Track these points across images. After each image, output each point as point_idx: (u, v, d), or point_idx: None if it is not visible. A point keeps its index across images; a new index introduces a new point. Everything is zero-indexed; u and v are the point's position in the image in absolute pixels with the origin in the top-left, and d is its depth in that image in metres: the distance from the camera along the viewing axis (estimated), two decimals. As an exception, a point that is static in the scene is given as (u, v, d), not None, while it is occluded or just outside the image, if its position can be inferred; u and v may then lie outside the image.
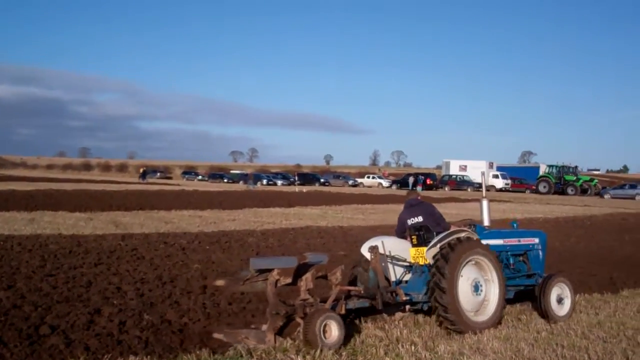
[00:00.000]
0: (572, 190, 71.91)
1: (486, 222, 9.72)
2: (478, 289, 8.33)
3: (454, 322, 7.95)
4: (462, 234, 8.45)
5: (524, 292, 9.69)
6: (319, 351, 6.94)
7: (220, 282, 8.21)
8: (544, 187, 73.79)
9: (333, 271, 8.20)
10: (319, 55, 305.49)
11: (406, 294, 8.26)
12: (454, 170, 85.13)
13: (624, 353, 7.25)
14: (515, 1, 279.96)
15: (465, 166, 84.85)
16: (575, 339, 7.89)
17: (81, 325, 7.86)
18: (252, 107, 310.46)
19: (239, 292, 9.08)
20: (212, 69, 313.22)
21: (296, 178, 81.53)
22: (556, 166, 76.58)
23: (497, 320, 8.44)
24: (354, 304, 8.24)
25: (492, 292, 8.46)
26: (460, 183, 78.87)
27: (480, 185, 75.73)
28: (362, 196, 49.16)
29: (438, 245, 8.23)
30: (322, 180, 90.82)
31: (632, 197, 64.88)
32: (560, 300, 9.04)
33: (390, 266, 8.76)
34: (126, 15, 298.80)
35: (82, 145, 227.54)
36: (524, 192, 76.31)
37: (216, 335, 7.53)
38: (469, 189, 75.29)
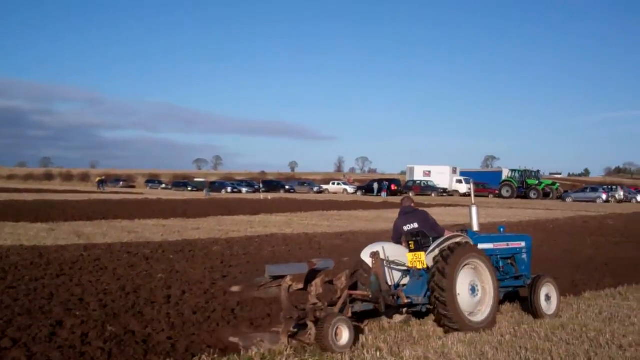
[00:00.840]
0: (534, 194, 72.73)
1: (475, 227, 10.07)
2: (474, 290, 8.68)
3: (453, 320, 8.26)
4: (459, 239, 8.92)
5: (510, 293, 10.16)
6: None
7: (235, 288, 8.48)
8: (507, 191, 74.55)
9: (338, 276, 8.50)
10: (283, 63, 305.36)
11: (407, 297, 8.59)
12: (418, 175, 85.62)
13: (586, 354, 7.32)
14: (477, 7, 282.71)
15: (429, 171, 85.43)
16: (539, 341, 7.95)
17: (43, 337, 7.71)
18: (217, 114, 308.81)
19: (253, 297, 9.10)
20: (176, 77, 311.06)
21: (261, 185, 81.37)
22: (519, 170, 77.41)
23: (492, 321, 8.73)
24: (359, 307, 8.63)
25: (488, 294, 8.81)
26: (425, 188, 79.29)
27: (444, 190, 76.84)
28: (327, 202, 49.19)
29: (438, 249, 8.63)
30: (287, 187, 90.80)
31: (594, 200, 65.89)
32: (548, 299, 9.48)
33: (388, 271, 9.07)
34: (88, 23, 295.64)
35: (44, 155, 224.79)
36: (488, 196, 76.92)
37: (232, 339, 7.73)
38: (433, 194, 75.67)
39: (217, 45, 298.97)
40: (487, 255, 9.16)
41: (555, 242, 21.42)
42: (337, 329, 7.45)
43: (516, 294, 10.46)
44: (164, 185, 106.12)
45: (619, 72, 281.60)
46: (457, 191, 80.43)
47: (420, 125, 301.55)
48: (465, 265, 8.65)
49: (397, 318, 9.17)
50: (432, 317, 8.95)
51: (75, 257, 14.88)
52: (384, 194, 73.00)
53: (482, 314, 8.70)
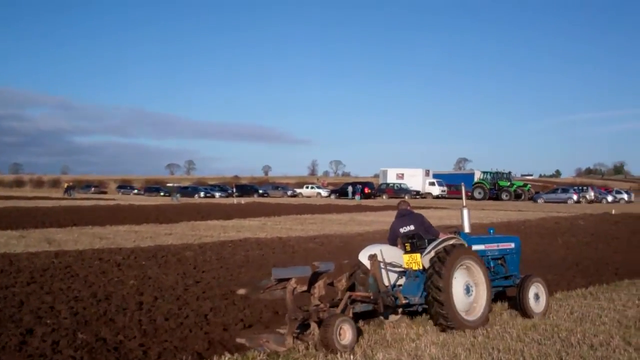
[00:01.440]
0: (506, 196, 73.27)
1: (467, 229, 10.27)
2: (469, 290, 8.96)
3: (449, 318, 8.49)
4: (454, 241, 9.15)
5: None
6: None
7: (241, 291, 8.86)
8: (479, 193, 75.08)
9: (338, 278, 9.01)
10: (256, 66, 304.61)
11: (404, 297, 8.90)
12: (392, 178, 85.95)
13: (558, 354, 7.38)
14: (448, 12, 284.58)
15: (403, 174, 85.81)
16: (511, 342, 8.00)
17: (13, 346, 7.63)
18: (189, 119, 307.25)
19: (260, 299, 9.45)
20: (147, 81, 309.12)
21: (234, 190, 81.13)
22: (490, 172, 77.99)
23: (485, 320, 8.98)
24: (359, 308, 8.88)
25: (481, 293, 9.07)
26: (398, 191, 79.49)
27: (417, 192, 77.11)
28: (301, 206, 49.19)
29: (433, 251, 8.88)
30: (260, 191, 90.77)
31: (565, 201, 66.58)
32: (537, 299, 9.71)
33: (385, 272, 9.30)
34: (58, 28, 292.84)
35: (14, 161, 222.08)
36: (460, 198, 77.38)
37: (239, 340, 8.06)
38: (406, 197, 75.88)
39: (188, 50, 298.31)
40: (480, 256, 9.47)
41: (527, 243, 21.51)
42: (340, 329, 7.71)
43: (502, 295, 10.68)
44: (136, 191, 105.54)
45: (589, 74, 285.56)
46: (430, 193, 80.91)
47: (393, 128, 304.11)
48: (460, 266, 8.91)
49: (393, 318, 9.40)
50: (406, 318, 9.25)
51: (46, 264, 14.71)
52: (357, 197, 73.10)
53: (476, 313, 8.95)
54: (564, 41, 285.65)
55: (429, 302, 8.67)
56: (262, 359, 7.38)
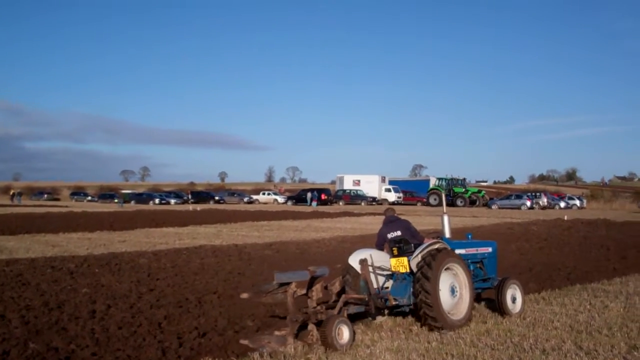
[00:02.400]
0: (461, 202, 73.93)
1: (447, 234, 10.72)
2: (454, 292, 9.43)
3: (436, 319, 8.92)
4: (438, 245, 9.61)
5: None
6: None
7: (245, 295, 8.96)
8: (434, 199, 75.53)
9: (332, 282, 9.44)
10: (211, 72, 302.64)
11: (394, 299, 9.43)
12: (348, 185, 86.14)
13: (510, 359, 7.47)
14: (405, 15, 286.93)
15: (359, 181, 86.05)
16: (465, 347, 8.08)
17: (-39, 357, 7.47)
18: (144, 125, 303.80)
19: (262, 303, 9.88)
20: (102, 87, 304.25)
21: (190, 196, 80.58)
22: (445, 179, 78.60)
23: (468, 319, 9.47)
24: (353, 309, 9.23)
25: (465, 295, 9.55)
26: (354, 197, 79.81)
27: (374, 199, 77.43)
28: (258, 213, 49.03)
29: (420, 255, 9.34)
30: (216, 197, 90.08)
31: (518, 207, 67.45)
32: (514, 300, 10.25)
33: (373, 275, 9.82)
34: (10, 33, 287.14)
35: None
36: (416, 204, 78.10)
37: (242, 341, 8.30)
38: (362, 203, 76.28)
39: (143, 55, 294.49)
40: (464, 260, 9.97)
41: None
42: (338, 329, 8.17)
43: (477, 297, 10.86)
44: (89, 198, 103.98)
45: (542, 82, 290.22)
46: (386, 200, 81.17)
47: (350, 134, 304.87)
48: (446, 269, 9.35)
49: (380, 319, 9.84)
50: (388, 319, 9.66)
51: (-4, 273, 14.41)
52: (314, 203, 73.15)
53: (460, 313, 9.40)
54: (517, 49, 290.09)
55: (418, 304, 9.05)
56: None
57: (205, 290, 12.66)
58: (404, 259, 9.55)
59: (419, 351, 7.91)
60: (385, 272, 9.88)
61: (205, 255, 18.65)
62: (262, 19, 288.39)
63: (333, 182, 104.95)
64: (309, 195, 76.31)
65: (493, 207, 69.64)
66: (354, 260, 9.77)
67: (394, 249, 9.79)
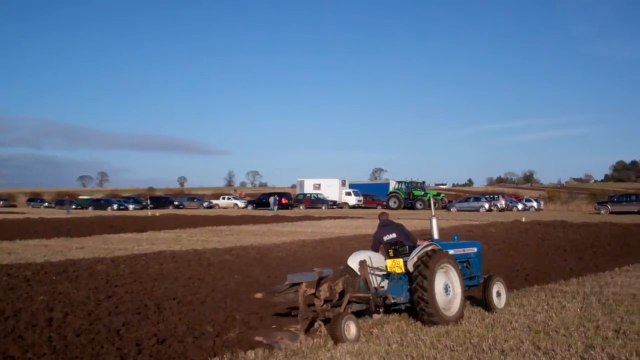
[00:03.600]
0: (420, 205, 74.39)
1: (436, 236, 11.42)
2: (447, 290, 9.99)
3: (433, 315, 9.52)
4: (432, 247, 10.18)
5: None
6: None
7: (259, 295, 10.10)
8: (394, 202, 76.04)
9: (335, 282, 9.99)
10: (169, 76, 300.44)
11: (392, 298, 9.91)
12: (308, 188, 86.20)
13: (470, 360, 7.55)
14: (363, 17, 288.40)
15: (319, 184, 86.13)
16: (424, 349, 8.12)
17: None
18: (101, 129, 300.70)
19: (275, 302, 10.36)
20: (58, 91, 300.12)
21: (149, 201, 79.81)
22: (405, 182, 79.13)
23: (461, 315, 10.02)
24: (355, 307, 9.78)
25: (457, 292, 10.12)
26: (315, 201, 79.94)
27: (334, 202, 77.57)
28: (218, 218, 48.76)
29: (416, 256, 9.91)
30: (175, 202, 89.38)
31: (477, 210, 68.22)
32: (498, 295, 10.91)
33: (371, 275, 10.29)
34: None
35: None
36: (376, 207, 78.39)
37: (257, 338, 8.98)
38: (323, 207, 76.43)
39: (100, 59, 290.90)
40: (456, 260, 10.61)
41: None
42: (346, 325, 8.74)
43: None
44: (46, 204, 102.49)
45: (500, 86, 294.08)
46: (346, 203, 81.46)
47: (310, 138, 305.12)
48: (440, 269, 9.91)
49: (376, 316, 10.39)
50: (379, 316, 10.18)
51: (-51, 282, 14.10)
52: (275, 207, 73.02)
53: (453, 309, 9.95)
54: (476, 53, 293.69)
55: (415, 301, 9.66)
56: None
57: (165, 297, 12.54)
58: (400, 260, 10.14)
59: (380, 354, 7.94)
60: (381, 273, 10.40)
61: (164, 261, 18.48)
62: (220, 25, 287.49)
63: (293, 186, 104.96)
64: (271, 199, 76.12)
65: (452, 209, 70.34)
66: (352, 262, 10.26)
67: (389, 250, 10.37)
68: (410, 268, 9.95)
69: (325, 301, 9.73)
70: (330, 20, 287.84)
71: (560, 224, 36.82)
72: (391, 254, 10.34)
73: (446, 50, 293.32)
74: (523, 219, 42.03)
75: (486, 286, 10.79)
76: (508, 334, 8.94)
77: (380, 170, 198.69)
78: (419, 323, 9.90)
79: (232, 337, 9.12)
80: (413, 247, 10.27)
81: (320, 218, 48.05)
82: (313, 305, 9.61)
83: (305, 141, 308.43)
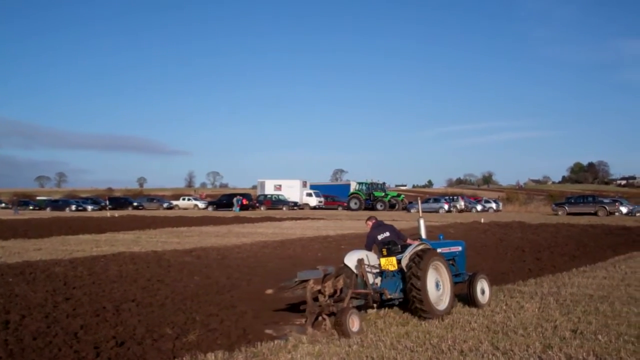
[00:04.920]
0: (381, 206, 74.69)
1: (423, 236, 12.25)
2: (438, 286, 10.63)
3: (426, 310, 10.11)
4: (423, 246, 10.86)
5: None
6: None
7: (269, 291, 10.42)
8: (355, 203, 76.22)
9: (337, 279, 10.46)
10: (129, 76, 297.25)
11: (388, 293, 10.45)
12: (269, 189, 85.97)
13: (429, 361, 7.60)
14: (325, 17, 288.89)
15: (280, 185, 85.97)
16: (385, 350, 8.16)
17: None
18: (59, 129, 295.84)
19: (286, 298, 10.76)
20: (15, 89, 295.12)
21: (107, 202, 78.88)
22: (365, 183, 79.40)
23: (450, 309, 10.69)
24: (355, 303, 10.36)
25: (447, 288, 10.79)
26: (276, 202, 79.70)
27: (295, 203, 77.51)
28: (178, 219, 48.39)
29: (408, 256, 10.52)
30: (135, 203, 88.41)
31: (436, 211, 68.67)
32: (482, 292, 11.46)
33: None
34: None
35: None
36: (337, 209, 78.58)
37: (267, 331, 9.69)
38: (284, 208, 76.24)
39: (59, 57, 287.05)
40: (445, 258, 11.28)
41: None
42: (351, 319, 9.29)
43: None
44: (3, 205, 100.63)
45: (459, 88, 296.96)
46: (307, 204, 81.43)
47: (271, 139, 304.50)
48: (432, 266, 10.51)
49: (370, 312, 10.88)
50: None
51: None
52: (237, 208, 72.72)
53: (444, 304, 10.60)
54: (436, 55, 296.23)
55: (410, 299, 10.26)
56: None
57: (123, 299, 12.40)
58: (393, 259, 10.70)
59: (340, 355, 7.96)
60: (375, 270, 10.91)
61: (123, 263, 18.27)
62: (179, 26, 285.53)
63: (254, 187, 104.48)
64: (235, 200, 75.69)
65: (412, 210, 70.63)
66: (349, 260, 10.72)
67: (383, 249, 10.98)
68: (403, 266, 10.53)
69: (329, 297, 10.29)
70: (285, 20, 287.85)
71: (519, 225, 37.29)
72: (385, 252, 10.91)
73: (406, 53, 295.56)
74: (482, 220, 42.46)
75: (471, 283, 11.38)
76: (467, 335, 9.02)
77: (341, 171, 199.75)
78: (380, 323, 9.98)
79: (192, 339, 9.08)
80: (405, 246, 10.97)
81: (281, 219, 47.99)
82: (318, 300, 10.20)
83: (266, 142, 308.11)
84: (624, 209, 60.15)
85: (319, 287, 10.19)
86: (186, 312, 11.01)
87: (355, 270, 10.60)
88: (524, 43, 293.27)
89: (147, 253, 21.13)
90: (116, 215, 58.39)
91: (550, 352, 7.94)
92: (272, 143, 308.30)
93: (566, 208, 60.89)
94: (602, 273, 15.91)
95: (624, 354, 7.83)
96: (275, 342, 8.87)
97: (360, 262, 10.65)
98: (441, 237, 12.94)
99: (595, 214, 56.74)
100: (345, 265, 10.71)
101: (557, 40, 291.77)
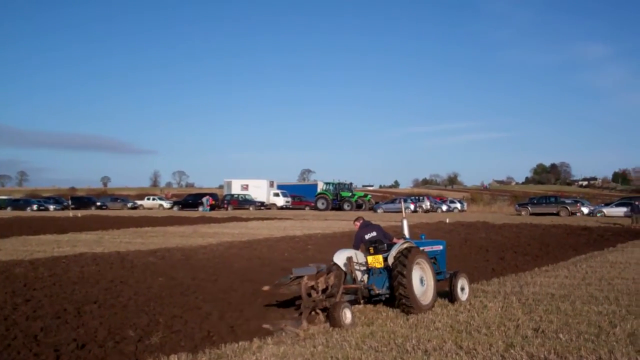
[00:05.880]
0: (348, 206, 74.88)
1: (407, 235, 12.61)
2: (422, 282, 11.22)
3: (412, 305, 10.61)
4: (408, 245, 11.33)
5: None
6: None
7: (266, 288, 10.77)
8: (322, 203, 76.26)
9: (328, 275, 10.85)
10: (93, 73, 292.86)
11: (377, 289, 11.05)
12: (236, 189, 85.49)
13: (394, 361, 7.59)
14: (288, 18, 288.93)
15: (247, 185, 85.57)
16: (350, 350, 8.14)
17: None
18: (20, 127, 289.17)
19: (282, 293, 11.17)
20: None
21: (70, 202, 77.91)
22: (333, 183, 79.47)
23: (433, 303, 11.25)
24: (345, 298, 10.81)
25: (430, 284, 11.36)
26: (243, 202, 79.27)
27: (262, 203, 77.30)
28: (142, 219, 48.00)
29: (394, 254, 11.04)
30: (98, 203, 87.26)
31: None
32: (462, 289, 11.99)
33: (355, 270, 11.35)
34: None
35: None
36: (304, 209, 78.51)
37: (264, 326, 9.91)
38: (250, 208, 75.91)
39: (19, 54, 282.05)
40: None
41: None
42: (344, 312, 9.84)
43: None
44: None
45: (425, 89, 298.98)
46: (274, 204, 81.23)
47: (238, 138, 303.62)
48: (416, 264, 11.06)
49: (356, 307, 11.19)
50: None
51: None
52: (207, 208, 72.24)
53: (427, 298, 11.16)
54: (402, 56, 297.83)
55: (397, 296, 10.73)
56: None
57: (85, 300, 12.24)
58: (379, 257, 11.26)
59: (305, 355, 7.93)
60: (362, 268, 11.41)
61: (85, 264, 18.07)
62: (144, 22, 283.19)
63: (221, 187, 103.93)
64: (204, 199, 75.10)
65: (379, 210, 70.96)
66: (338, 258, 11.15)
67: (370, 248, 11.44)
68: (390, 263, 11.03)
69: (322, 292, 10.65)
70: (252, 20, 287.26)
71: (483, 225, 37.66)
72: (372, 251, 11.40)
73: (371, 53, 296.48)
74: (447, 220, 42.80)
75: (453, 281, 11.86)
76: (431, 334, 9.05)
77: (309, 171, 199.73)
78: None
79: (155, 342, 8.97)
80: (391, 245, 11.47)
81: (247, 219, 47.85)
82: (311, 295, 10.54)
83: (233, 141, 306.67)
84: (585, 210, 60.97)
85: (312, 284, 10.59)
86: (149, 314, 10.89)
87: (344, 268, 11.06)
88: (485, 45, 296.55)
89: (110, 254, 20.93)
90: (79, 215, 57.72)
91: (512, 351, 7.99)
92: (240, 142, 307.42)
93: (529, 208, 61.55)
94: (564, 272, 16.10)
95: (584, 352, 7.90)
96: (240, 343, 8.80)
97: (349, 260, 11.13)
98: (423, 236, 13.36)
99: (557, 214, 57.48)
100: (335, 263, 11.11)
101: (518, 43, 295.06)
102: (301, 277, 10.56)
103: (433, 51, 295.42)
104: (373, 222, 12.50)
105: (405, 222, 13.07)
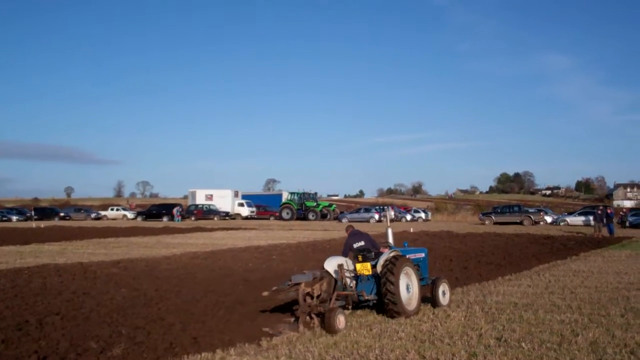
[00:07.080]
0: (313, 216, 74.99)
1: (392, 243, 13.20)
2: (408, 289, 11.63)
3: (398, 311, 11.09)
4: (395, 253, 11.84)
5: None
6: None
7: (265, 293, 11.01)
8: (287, 213, 76.22)
9: (321, 282, 11.19)
10: (55, 83, 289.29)
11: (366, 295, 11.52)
12: (200, 199, 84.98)
13: (357, 371, 7.62)
14: (254, 25, 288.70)
15: (212, 195, 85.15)
16: (313, 361, 8.16)
17: None
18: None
19: (280, 299, 11.65)
20: None
21: (33, 213, 76.87)
22: (297, 193, 79.48)
23: (418, 309, 11.71)
24: (337, 303, 11.27)
25: (415, 290, 11.79)
26: (207, 212, 78.84)
27: (227, 213, 76.97)
28: (105, 229, 47.56)
29: (382, 262, 11.56)
30: (62, 214, 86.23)
31: (367, 220, 69.17)
32: (444, 294, 12.57)
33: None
34: None
35: None
36: (269, 219, 78.37)
37: (264, 329, 10.36)
38: (215, 218, 75.58)
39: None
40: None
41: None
42: (338, 318, 10.20)
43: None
44: None
45: (389, 100, 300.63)
46: (239, 214, 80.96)
47: (202, 148, 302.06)
48: (403, 271, 11.49)
49: (346, 312, 11.54)
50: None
51: None
52: (178, 218, 71.72)
53: (413, 304, 11.61)
54: (367, 67, 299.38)
55: (385, 302, 11.19)
56: None
57: (47, 312, 12.09)
58: (367, 264, 11.80)
59: (268, 366, 7.92)
60: (351, 275, 11.91)
61: (48, 275, 17.86)
62: (107, 31, 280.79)
63: (185, 197, 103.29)
64: (175, 210, 74.44)
65: (343, 220, 70.92)
66: (328, 266, 11.64)
67: (358, 256, 11.96)
68: (378, 271, 11.52)
69: (316, 297, 10.97)
70: (218, 28, 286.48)
71: (447, 234, 37.96)
72: (360, 259, 11.93)
73: (336, 64, 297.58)
74: (411, 230, 43.03)
75: (434, 287, 12.44)
76: (394, 344, 9.09)
77: (274, 181, 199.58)
78: (307, 334, 9.98)
79: (117, 354, 8.89)
80: (378, 254, 12.01)
81: (212, 229, 47.65)
82: (306, 301, 10.86)
83: (198, 151, 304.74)
84: (548, 219, 61.82)
85: (308, 290, 10.92)
86: (112, 325, 10.79)
87: (334, 275, 11.53)
88: (450, 56, 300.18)
89: (72, 265, 20.71)
90: (42, 225, 57.05)
91: (474, 360, 8.06)
92: (204, 152, 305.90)
93: (493, 217, 62.13)
94: (527, 281, 16.28)
95: (545, 361, 8.01)
96: (203, 354, 8.77)
97: (340, 267, 11.65)
98: (405, 244, 13.95)
99: (521, 223, 58.08)
100: (325, 270, 11.55)
101: (482, 54, 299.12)
102: (298, 283, 10.89)
103: (398, 61, 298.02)
104: (362, 232, 12.92)
105: (389, 231, 13.70)
